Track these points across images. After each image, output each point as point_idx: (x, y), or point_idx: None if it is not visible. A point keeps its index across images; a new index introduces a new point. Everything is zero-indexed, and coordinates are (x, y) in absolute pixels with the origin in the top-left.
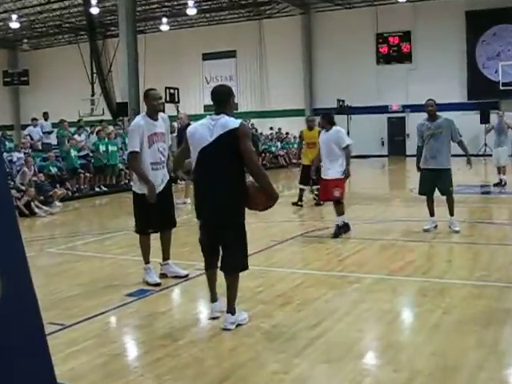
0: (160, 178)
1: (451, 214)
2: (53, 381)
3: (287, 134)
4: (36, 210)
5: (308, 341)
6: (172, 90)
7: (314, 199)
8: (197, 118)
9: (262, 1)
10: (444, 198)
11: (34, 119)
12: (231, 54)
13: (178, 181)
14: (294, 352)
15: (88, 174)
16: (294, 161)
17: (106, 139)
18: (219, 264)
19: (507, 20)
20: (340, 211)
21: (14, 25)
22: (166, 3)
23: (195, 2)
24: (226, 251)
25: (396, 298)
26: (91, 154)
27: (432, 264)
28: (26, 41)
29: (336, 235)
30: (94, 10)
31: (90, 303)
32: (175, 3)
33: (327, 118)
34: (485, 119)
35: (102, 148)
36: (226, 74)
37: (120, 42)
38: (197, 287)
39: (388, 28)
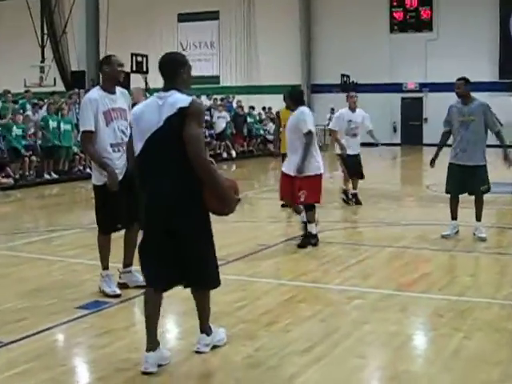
0: (122, 162)
1: (478, 218)
2: None
3: (278, 113)
4: None
5: (298, 368)
6: (140, 58)
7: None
8: None
9: None
10: (472, 197)
11: None
12: (213, 16)
13: None
14: (280, 382)
15: (34, 158)
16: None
17: (59, 115)
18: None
19: None
20: (311, 218)
21: None
22: None
23: None
24: (188, 264)
25: (406, 319)
26: (38, 133)
27: (451, 278)
28: None
29: (303, 245)
30: None
31: (33, 317)
32: None
33: (295, 96)
34: None
35: (52, 125)
36: (207, 40)
37: None
38: (164, 300)
39: None
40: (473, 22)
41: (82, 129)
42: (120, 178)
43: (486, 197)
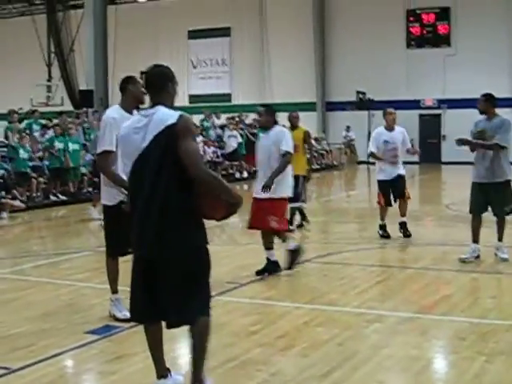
0: None
1: (500, 238)
2: None
3: None
4: None
5: None
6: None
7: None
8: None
9: None
10: (494, 218)
11: None
12: (224, 32)
13: None
14: None
15: (42, 179)
16: None
17: (66, 135)
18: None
19: None
20: (271, 244)
21: None
22: None
23: None
24: (176, 296)
25: (427, 342)
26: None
27: (473, 300)
28: None
29: (291, 264)
30: None
31: (42, 342)
32: None
33: (273, 113)
34: None
35: (58, 145)
36: (218, 57)
37: (85, 15)
38: None
39: (422, 3)
40: (491, 36)
41: (102, 148)
42: None
43: (508, 217)
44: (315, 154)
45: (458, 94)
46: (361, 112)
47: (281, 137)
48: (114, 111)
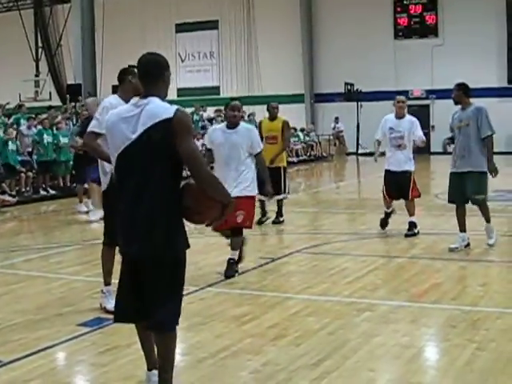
0: None
1: (487, 220)
2: None
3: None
4: None
5: (307, 382)
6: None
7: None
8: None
9: None
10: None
11: None
12: (212, 25)
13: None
14: None
15: (30, 174)
16: None
17: (55, 129)
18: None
19: None
20: (237, 245)
21: None
22: None
23: None
24: (153, 298)
25: (417, 330)
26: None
27: (463, 288)
28: None
29: (230, 275)
30: None
31: (33, 335)
32: None
33: (241, 109)
34: None
35: (47, 139)
36: (206, 50)
37: (72, 9)
38: None
39: None
40: (479, 26)
41: (90, 129)
42: None
43: (495, 205)
44: (303, 145)
45: (446, 85)
46: (349, 103)
47: (253, 136)
48: (112, 98)
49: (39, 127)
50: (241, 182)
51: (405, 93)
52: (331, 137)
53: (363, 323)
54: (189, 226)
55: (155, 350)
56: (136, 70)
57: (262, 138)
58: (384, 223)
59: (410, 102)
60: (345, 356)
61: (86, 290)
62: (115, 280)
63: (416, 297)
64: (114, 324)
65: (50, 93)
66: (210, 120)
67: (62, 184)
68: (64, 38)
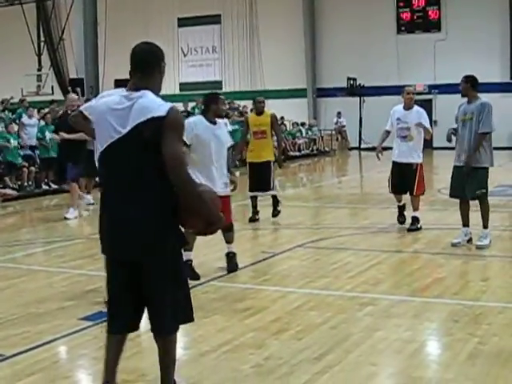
0: None
1: (484, 225)
2: None
3: (282, 119)
4: None
5: (310, 376)
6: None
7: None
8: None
9: None
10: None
11: None
12: (214, 20)
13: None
14: None
15: (33, 168)
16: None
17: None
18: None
19: None
20: (231, 237)
21: None
22: None
23: None
24: (152, 304)
25: (420, 325)
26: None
27: (465, 283)
28: None
29: (233, 269)
30: None
31: (35, 329)
32: None
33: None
34: None
35: (49, 135)
36: (208, 45)
37: (75, 3)
38: None
39: None
40: (482, 21)
41: (80, 108)
42: None
43: (496, 200)
44: (306, 140)
45: (448, 79)
46: (352, 98)
47: (225, 129)
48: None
49: (42, 123)
50: (225, 180)
51: (410, 86)
52: (333, 131)
53: (365, 317)
54: None
55: (118, 364)
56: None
57: (247, 133)
58: (401, 220)
59: None
60: (347, 350)
61: (88, 283)
62: None
63: (418, 291)
64: None
65: (53, 87)
66: None
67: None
68: (66, 33)
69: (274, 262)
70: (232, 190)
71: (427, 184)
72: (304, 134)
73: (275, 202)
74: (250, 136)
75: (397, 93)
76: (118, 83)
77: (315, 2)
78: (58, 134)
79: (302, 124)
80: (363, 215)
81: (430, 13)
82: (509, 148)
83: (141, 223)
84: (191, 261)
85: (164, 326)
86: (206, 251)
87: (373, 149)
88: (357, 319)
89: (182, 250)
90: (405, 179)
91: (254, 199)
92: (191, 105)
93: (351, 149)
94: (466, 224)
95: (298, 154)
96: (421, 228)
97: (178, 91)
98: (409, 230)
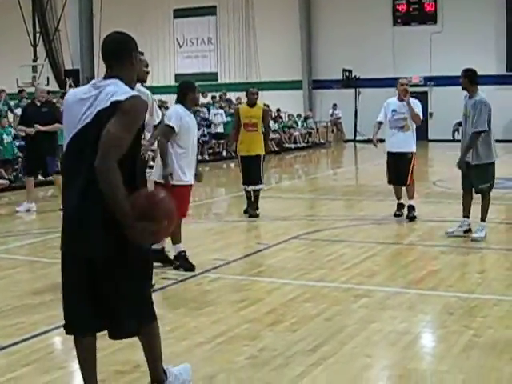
0: None
1: (482, 218)
2: None
3: (278, 111)
4: None
5: (304, 368)
6: (144, 58)
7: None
8: (166, 90)
9: None
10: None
11: None
12: (210, 11)
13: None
14: (286, 382)
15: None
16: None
17: None
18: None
19: None
20: (176, 237)
21: None
22: None
23: None
24: (112, 303)
25: (414, 317)
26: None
27: (460, 275)
28: None
29: (182, 267)
30: None
31: (30, 319)
32: None
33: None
34: None
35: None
36: (204, 36)
37: None
38: (167, 300)
39: None
40: (478, 13)
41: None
42: None
43: (494, 192)
44: (301, 132)
45: (444, 72)
46: (347, 90)
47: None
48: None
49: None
50: (195, 170)
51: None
52: (329, 123)
53: (360, 309)
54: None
55: (96, 372)
56: (141, 57)
57: (239, 124)
58: (398, 213)
59: None
60: (342, 342)
61: None
62: None
63: (413, 283)
64: None
65: (48, 78)
66: (207, 106)
67: (60, 169)
68: (62, 24)
69: (268, 254)
70: (199, 181)
71: (422, 176)
72: (299, 126)
73: (257, 199)
74: (240, 127)
75: (392, 85)
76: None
77: None
78: (33, 127)
79: (298, 116)
80: (358, 207)
81: (426, 5)
82: (505, 141)
83: (99, 219)
84: (184, 252)
85: (117, 327)
86: (199, 242)
87: (368, 141)
88: (352, 311)
89: (172, 245)
90: (400, 169)
91: (247, 193)
92: None
93: (346, 141)
94: (466, 215)
95: (293, 145)
96: (416, 217)
97: (173, 82)
98: (408, 217)
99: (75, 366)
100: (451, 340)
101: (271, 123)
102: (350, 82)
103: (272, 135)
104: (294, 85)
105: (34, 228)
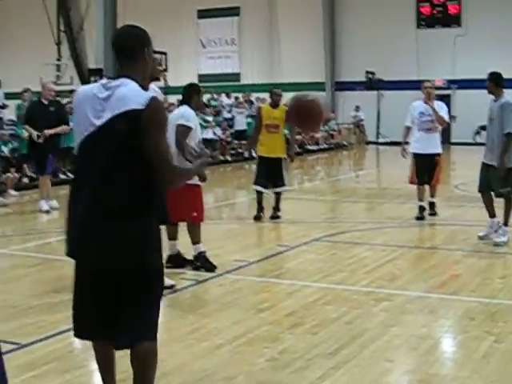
0: None
1: (505, 222)
2: None
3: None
4: None
5: (324, 371)
6: (159, 56)
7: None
8: None
9: None
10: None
11: None
12: (233, 12)
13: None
14: None
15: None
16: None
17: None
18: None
19: None
20: (196, 237)
21: None
22: None
23: None
24: (124, 313)
25: (435, 322)
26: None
27: (482, 280)
28: None
29: (203, 267)
30: None
31: (51, 318)
32: None
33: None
34: None
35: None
36: (227, 37)
37: None
38: (187, 300)
39: None
40: (503, 16)
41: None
42: None
43: None
44: (323, 134)
45: (467, 75)
46: (370, 92)
47: (180, 115)
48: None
49: None
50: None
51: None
52: (351, 125)
53: (381, 313)
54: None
55: (115, 374)
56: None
57: (261, 125)
58: (419, 216)
59: None
60: (362, 345)
61: None
62: None
63: (435, 288)
64: None
65: (72, 77)
66: (231, 107)
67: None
68: (86, 23)
69: (289, 256)
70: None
71: (444, 180)
72: (322, 128)
73: (278, 202)
74: (261, 128)
75: (415, 87)
76: None
77: None
78: (40, 127)
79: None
80: (380, 210)
81: (450, 7)
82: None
83: (109, 226)
84: (205, 252)
85: (138, 331)
86: (221, 243)
87: (391, 143)
88: (372, 314)
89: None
90: (428, 169)
91: (259, 194)
92: (206, 96)
93: (369, 143)
94: (492, 215)
95: (315, 147)
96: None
97: (197, 83)
98: (430, 214)
99: (95, 365)
100: (472, 345)
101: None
102: (372, 84)
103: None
104: (316, 86)
105: (56, 226)
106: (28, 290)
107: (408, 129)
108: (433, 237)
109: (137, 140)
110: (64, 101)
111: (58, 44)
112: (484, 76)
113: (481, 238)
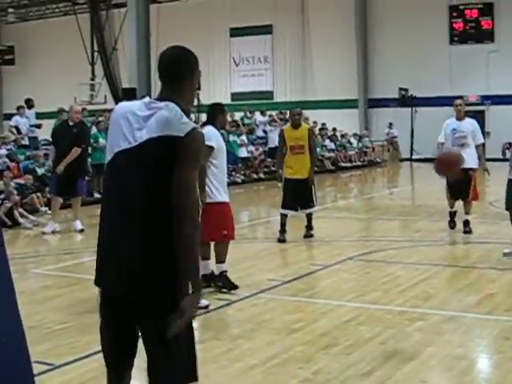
0: None
1: None
2: None
3: (334, 130)
4: (20, 219)
5: None
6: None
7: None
8: None
9: None
10: None
11: (21, 107)
12: (266, 30)
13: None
14: None
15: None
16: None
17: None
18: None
19: None
20: (222, 255)
21: None
22: None
23: None
24: (154, 352)
25: (471, 341)
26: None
27: None
28: (11, 10)
29: (224, 287)
30: None
31: (85, 338)
32: None
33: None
34: None
35: (102, 142)
36: (260, 54)
37: (128, 13)
38: (221, 321)
39: None
40: None
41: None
42: None
43: None
44: (357, 151)
45: (501, 90)
46: (403, 109)
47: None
48: None
49: (94, 129)
50: (217, 189)
51: (459, 98)
52: (385, 142)
53: (415, 333)
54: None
55: None
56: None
57: (285, 148)
58: (452, 225)
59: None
60: (396, 366)
61: None
62: None
63: (469, 307)
64: None
65: (106, 96)
66: (265, 124)
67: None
68: (119, 42)
69: (323, 275)
70: None
71: (479, 196)
72: (355, 145)
73: (310, 221)
74: (286, 151)
75: (449, 104)
76: None
77: (367, 11)
78: (60, 146)
79: (354, 135)
80: (414, 227)
81: (482, 23)
82: None
83: (138, 255)
84: (226, 271)
85: (165, 375)
86: (254, 262)
87: (425, 160)
88: (407, 335)
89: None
90: (463, 185)
91: (284, 217)
92: (239, 115)
93: (402, 160)
94: None
95: (349, 164)
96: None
97: (229, 101)
98: (465, 231)
99: None
100: (508, 366)
101: (327, 142)
102: (406, 100)
103: (327, 154)
104: (349, 103)
105: (91, 246)
106: (62, 310)
107: (442, 145)
108: (467, 255)
109: (170, 165)
110: (100, 119)
111: (92, 64)
112: None
113: (506, 255)
